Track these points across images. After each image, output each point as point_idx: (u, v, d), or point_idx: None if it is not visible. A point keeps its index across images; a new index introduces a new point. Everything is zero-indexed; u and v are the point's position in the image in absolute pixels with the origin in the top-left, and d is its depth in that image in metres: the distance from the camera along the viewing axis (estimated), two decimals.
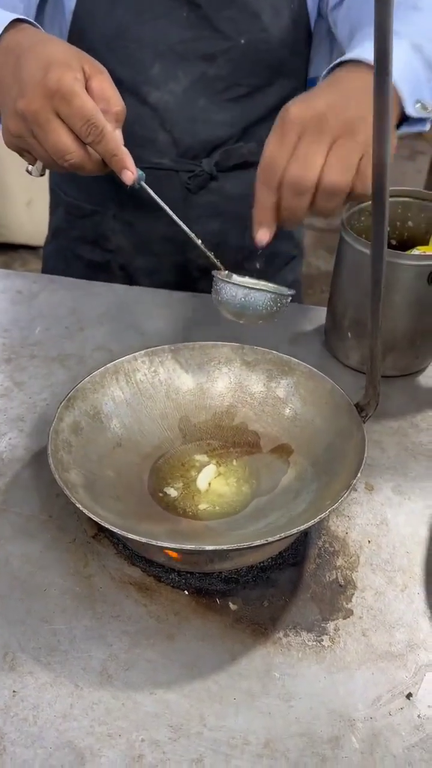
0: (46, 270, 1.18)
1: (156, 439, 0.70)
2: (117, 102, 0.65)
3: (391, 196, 0.81)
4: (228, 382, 0.74)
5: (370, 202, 0.53)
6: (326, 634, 0.56)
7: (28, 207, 2.83)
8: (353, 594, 0.60)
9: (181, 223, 0.70)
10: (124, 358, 0.71)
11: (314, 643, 0.56)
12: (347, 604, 0.59)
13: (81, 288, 1.01)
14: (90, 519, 0.54)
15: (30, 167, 0.68)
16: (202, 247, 0.71)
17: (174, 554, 0.59)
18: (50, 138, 0.61)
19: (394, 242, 0.85)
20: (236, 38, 0.88)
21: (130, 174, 0.65)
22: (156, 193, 0.69)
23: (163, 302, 0.98)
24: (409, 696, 0.52)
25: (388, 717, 0.51)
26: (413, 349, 0.82)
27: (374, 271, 0.51)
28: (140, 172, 0.67)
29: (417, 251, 0.80)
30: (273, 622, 0.57)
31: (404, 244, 0.85)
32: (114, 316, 0.94)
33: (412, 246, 0.83)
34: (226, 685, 0.53)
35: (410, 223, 0.84)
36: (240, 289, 0.67)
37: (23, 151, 0.67)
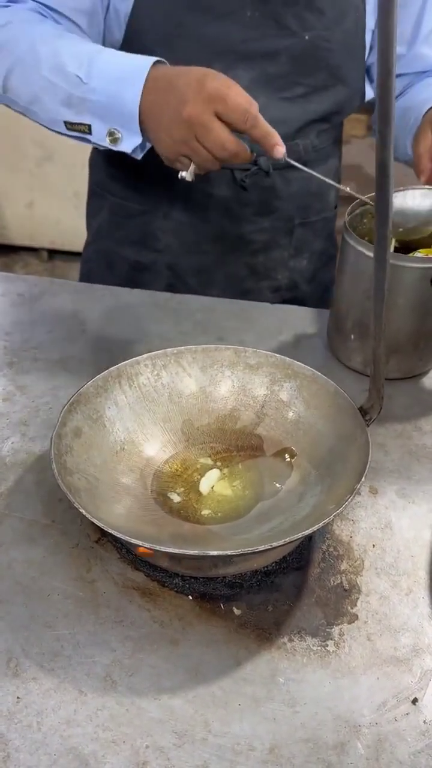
0: (85, 273, 1.18)
1: (159, 443, 0.70)
2: (253, 100, 0.75)
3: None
4: (231, 386, 0.73)
5: (372, 205, 0.53)
6: (331, 639, 0.56)
7: (29, 208, 2.83)
8: (358, 598, 0.59)
9: (326, 179, 0.82)
10: (126, 361, 0.70)
11: (319, 648, 0.56)
12: (352, 608, 0.59)
13: (82, 291, 1.00)
14: (93, 523, 0.53)
15: (183, 173, 0.78)
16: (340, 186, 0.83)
17: (146, 550, 0.54)
18: (212, 135, 0.73)
19: (397, 245, 0.85)
20: (301, 34, 0.91)
21: (281, 148, 0.76)
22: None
23: (165, 305, 0.98)
24: (414, 701, 0.52)
25: (393, 722, 0.51)
26: (417, 351, 0.82)
27: (377, 275, 0.51)
28: (284, 149, 0.77)
29: (419, 254, 0.79)
30: (277, 627, 0.57)
31: (407, 246, 0.84)
32: (116, 319, 0.94)
33: (416, 248, 0.82)
34: (231, 690, 0.52)
35: (411, 225, 0.84)
36: None
37: (180, 158, 0.77)
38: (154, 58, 0.78)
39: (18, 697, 0.51)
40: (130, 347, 0.87)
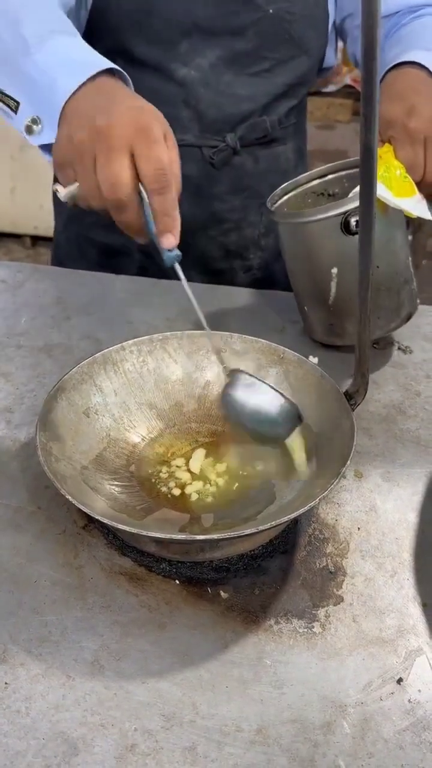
0: (57, 259, 1.17)
1: (145, 429, 0.70)
2: (179, 173, 0.64)
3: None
4: (217, 372, 0.73)
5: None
6: (317, 621, 0.57)
7: (12, 194, 2.81)
8: (343, 581, 0.60)
9: (201, 317, 0.67)
10: (112, 347, 0.70)
11: (305, 630, 0.56)
12: (337, 590, 0.59)
13: (66, 277, 1.00)
14: (79, 510, 0.54)
15: (59, 188, 0.65)
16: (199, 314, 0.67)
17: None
18: (114, 165, 0.59)
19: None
20: (265, 7, 0.91)
21: (173, 239, 0.63)
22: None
23: (150, 291, 0.97)
24: (399, 681, 0.53)
25: (379, 702, 0.51)
26: (372, 311, 0.79)
27: (362, 260, 0.51)
28: (178, 252, 0.63)
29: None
30: (264, 610, 0.57)
31: None
32: (101, 305, 0.94)
33: None
34: (218, 673, 0.53)
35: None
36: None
37: (67, 167, 0.64)
38: (113, 65, 0.68)
39: (6, 683, 0.51)
40: (115, 334, 0.87)
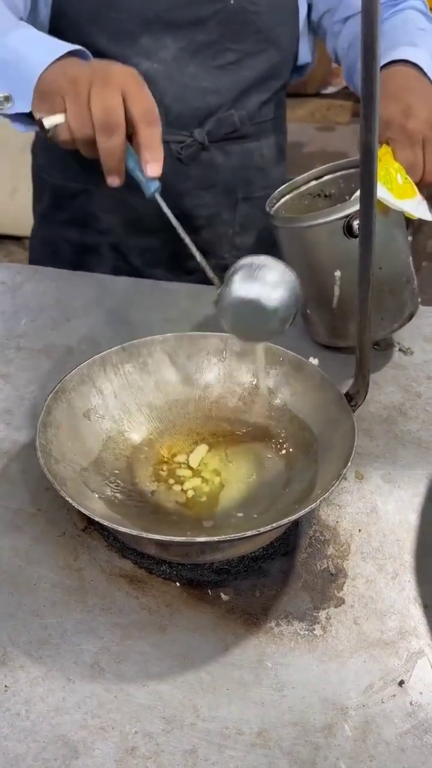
0: (32, 259, 1.16)
1: (145, 431, 0.69)
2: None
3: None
4: (217, 373, 0.73)
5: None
6: (318, 623, 0.57)
7: (12, 196, 2.80)
8: (344, 582, 0.60)
9: (185, 236, 0.73)
10: (111, 349, 0.70)
11: (306, 632, 0.56)
12: (338, 592, 0.59)
13: (66, 278, 1.00)
14: (79, 512, 0.53)
15: (43, 116, 0.67)
16: (202, 262, 0.71)
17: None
18: (108, 94, 0.64)
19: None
20: None
21: (158, 168, 0.67)
22: None
23: (149, 292, 0.97)
24: (401, 683, 0.52)
25: (380, 704, 0.51)
26: (376, 311, 0.79)
27: (362, 261, 0.50)
28: (158, 183, 0.68)
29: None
30: (265, 612, 0.57)
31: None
32: (100, 307, 0.93)
33: None
34: (219, 675, 0.53)
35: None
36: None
37: (55, 96, 0.66)
38: (80, 47, 0.72)
39: (6, 686, 0.51)
40: (115, 335, 0.87)
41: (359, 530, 0.64)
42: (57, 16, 0.89)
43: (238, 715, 0.50)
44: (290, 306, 0.62)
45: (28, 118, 0.72)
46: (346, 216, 0.71)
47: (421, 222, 0.76)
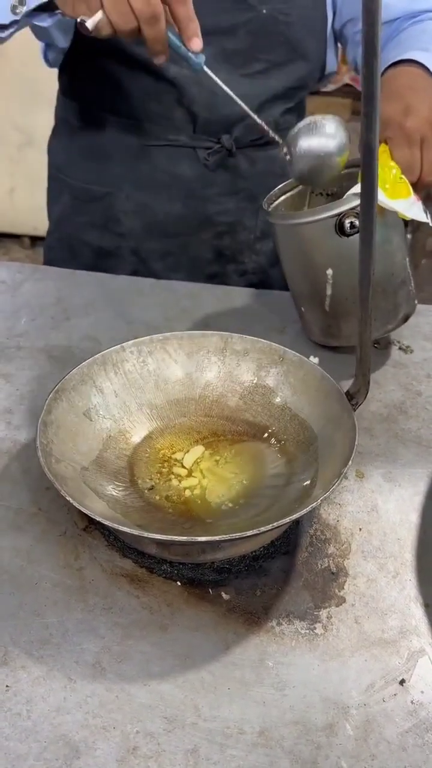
0: (48, 262, 1.16)
1: (145, 430, 0.69)
2: None
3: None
4: (217, 372, 0.73)
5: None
6: (319, 622, 0.57)
7: (11, 195, 2.80)
8: (345, 581, 0.60)
9: (242, 104, 0.79)
10: (112, 348, 0.70)
11: (307, 631, 0.56)
12: (339, 591, 0.59)
13: (66, 277, 0.99)
14: (80, 511, 0.53)
15: (85, 18, 0.69)
16: (262, 123, 0.79)
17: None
18: None
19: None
20: (258, 8, 0.90)
21: (199, 42, 0.73)
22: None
23: (149, 291, 0.97)
24: (402, 682, 0.52)
25: (381, 703, 0.51)
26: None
27: (363, 259, 0.50)
28: (204, 56, 0.74)
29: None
30: (266, 611, 0.57)
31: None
32: (100, 306, 0.93)
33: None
34: (220, 675, 0.53)
35: None
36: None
37: None
38: None
39: (7, 686, 0.51)
40: (115, 334, 0.87)
41: (360, 529, 0.64)
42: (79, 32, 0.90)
43: (240, 715, 0.50)
44: (344, 148, 0.74)
45: (43, 13, 0.75)
46: (338, 214, 0.71)
47: (418, 222, 0.76)
